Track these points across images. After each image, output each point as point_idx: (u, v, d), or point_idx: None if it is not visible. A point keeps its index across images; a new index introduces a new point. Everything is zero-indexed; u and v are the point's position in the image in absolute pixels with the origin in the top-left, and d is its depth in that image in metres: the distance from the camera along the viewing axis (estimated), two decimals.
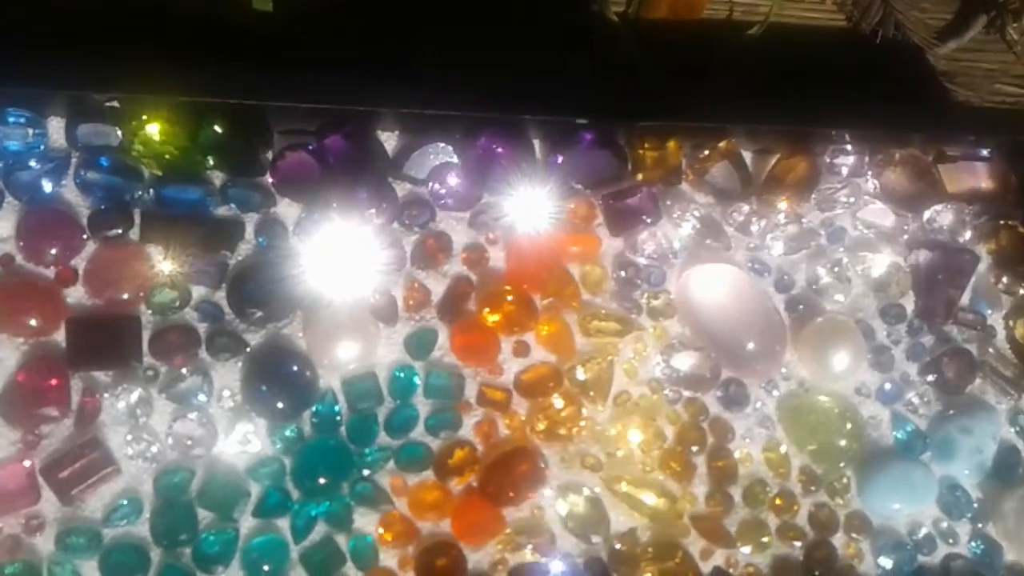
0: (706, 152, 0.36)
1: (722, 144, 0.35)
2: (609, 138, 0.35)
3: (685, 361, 0.34)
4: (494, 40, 0.38)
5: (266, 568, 0.30)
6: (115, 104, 0.31)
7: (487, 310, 0.33)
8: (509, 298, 0.33)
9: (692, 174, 0.36)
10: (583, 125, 0.34)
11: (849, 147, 0.37)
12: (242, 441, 0.31)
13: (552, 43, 0.39)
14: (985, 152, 0.36)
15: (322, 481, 0.31)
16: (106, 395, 0.30)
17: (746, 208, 0.36)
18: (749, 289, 0.34)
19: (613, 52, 0.40)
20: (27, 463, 0.29)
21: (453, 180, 0.34)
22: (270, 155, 0.32)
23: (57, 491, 0.29)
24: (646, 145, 0.35)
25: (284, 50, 0.34)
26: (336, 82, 0.32)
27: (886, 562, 0.33)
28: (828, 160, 0.37)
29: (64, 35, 0.33)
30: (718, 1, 0.41)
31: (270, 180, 0.33)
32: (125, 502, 0.30)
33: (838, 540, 0.34)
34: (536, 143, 0.34)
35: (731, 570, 0.33)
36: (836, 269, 0.36)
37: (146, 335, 0.30)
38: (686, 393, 0.34)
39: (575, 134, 0.34)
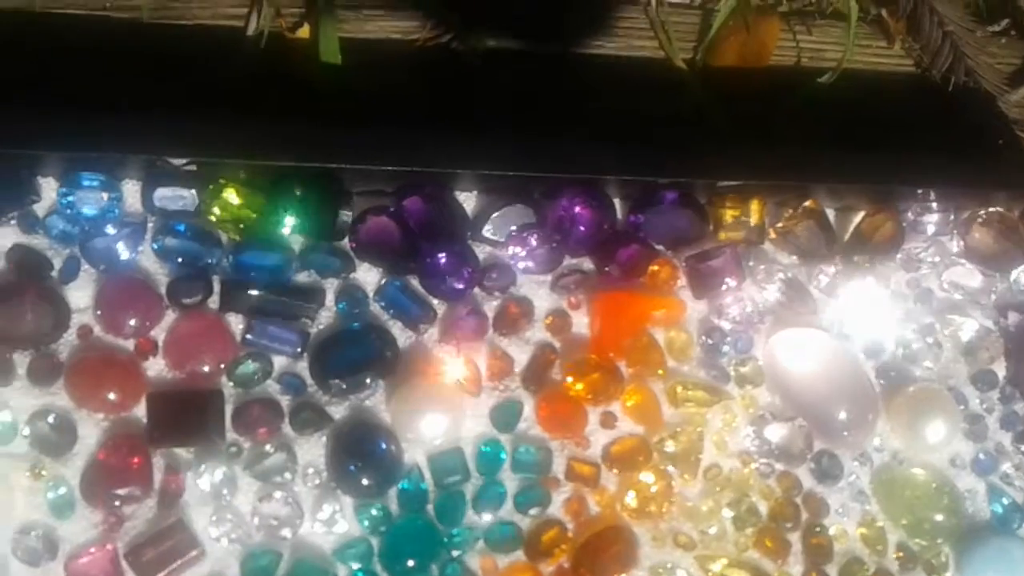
0: (789, 211, 0.53)
1: (807, 203, 0.53)
2: (690, 197, 0.52)
3: (777, 432, 0.49)
4: (569, 97, 0.55)
5: None
6: (192, 167, 0.47)
7: (572, 379, 0.49)
8: (594, 366, 0.49)
9: (775, 233, 0.53)
10: (664, 185, 0.51)
11: (934, 204, 0.55)
12: (329, 521, 0.44)
13: (626, 96, 0.57)
14: None
15: (411, 563, 0.44)
16: (189, 473, 0.44)
17: (832, 269, 0.53)
18: (839, 355, 0.50)
19: (682, 101, 0.58)
20: (110, 546, 0.43)
21: (533, 242, 0.50)
22: (349, 218, 0.48)
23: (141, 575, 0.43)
24: (728, 204, 0.52)
25: (360, 110, 0.51)
26: (414, 142, 0.48)
27: None
28: (912, 218, 0.55)
29: (139, 98, 0.48)
30: (785, 48, 0.61)
31: (349, 244, 0.49)
32: None
33: None
34: (617, 203, 0.51)
35: None
36: (926, 334, 0.54)
37: (228, 409, 0.45)
38: (778, 466, 0.49)
39: (656, 194, 0.51)
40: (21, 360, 0.43)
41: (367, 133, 0.46)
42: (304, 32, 0.52)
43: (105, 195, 0.45)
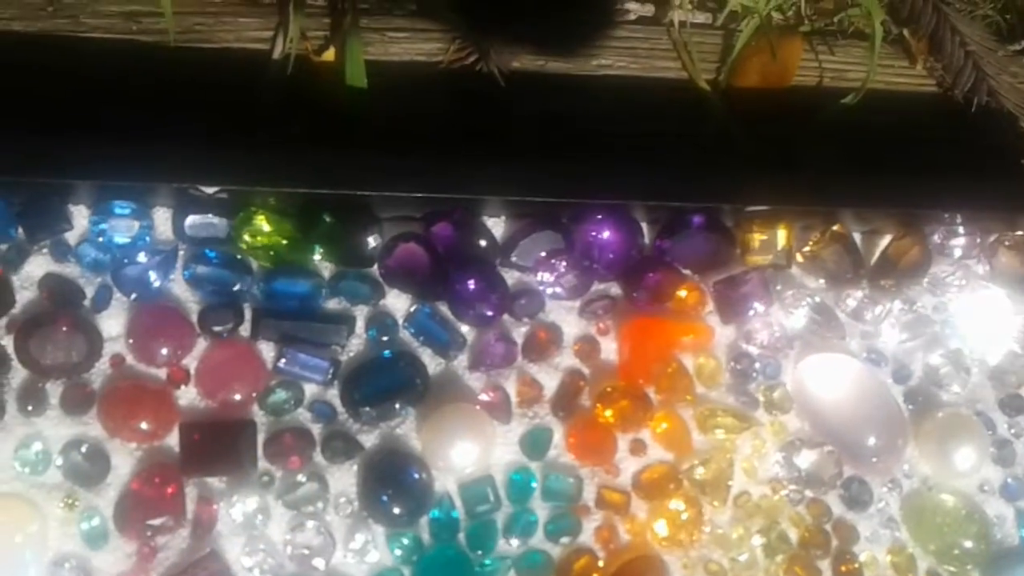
0: (816, 235, 0.56)
1: (834, 227, 0.55)
2: (717, 222, 0.55)
3: (807, 458, 0.52)
4: (592, 119, 0.58)
5: None
6: (222, 195, 0.49)
7: (601, 406, 0.52)
8: (623, 393, 0.52)
9: (803, 257, 0.56)
10: (692, 209, 0.53)
11: (961, 228, 0.58)
12: (361, 551, 0.47)
13: (649, 118, 0.59)
14: None
15: None
16: (222, 503, 0.47)
17: (859, 294, 0.56)
18: (868, 380, 0.53)
19: (705, 122, 0.60)
20: None
21: (562, 268, 0.52)
22: (377, 244, 0.50)
23: None
24: (755, 228, 0.55)
25: (386, 135, 0.53)
26: (441, 168, 0.51)
27: None
28: (939, 241, 0.58)
29: (167, 126, 0.51)
30: (807, 68, 0.64)
31: (379, 271, 0.51)
32: None
33: None
34: (644, 227, 0.54)
35: None
36: (954, 359, 0.56)
37: (260, 437, 0.48)
38: (808, 493, 0.52)
39: (683, 218, 0.54)
40: (54, 389, 0.45)
41: (394, 159, 0.49)
42: (329, 55, 0.55)
43: (136, 223, 0.47)
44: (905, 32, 0.62)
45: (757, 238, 0.54)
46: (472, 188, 0.50)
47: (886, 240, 0.56)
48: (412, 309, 0.50)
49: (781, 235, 0.53)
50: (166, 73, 0.52)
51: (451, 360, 0.50)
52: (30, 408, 0.45)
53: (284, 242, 0.48)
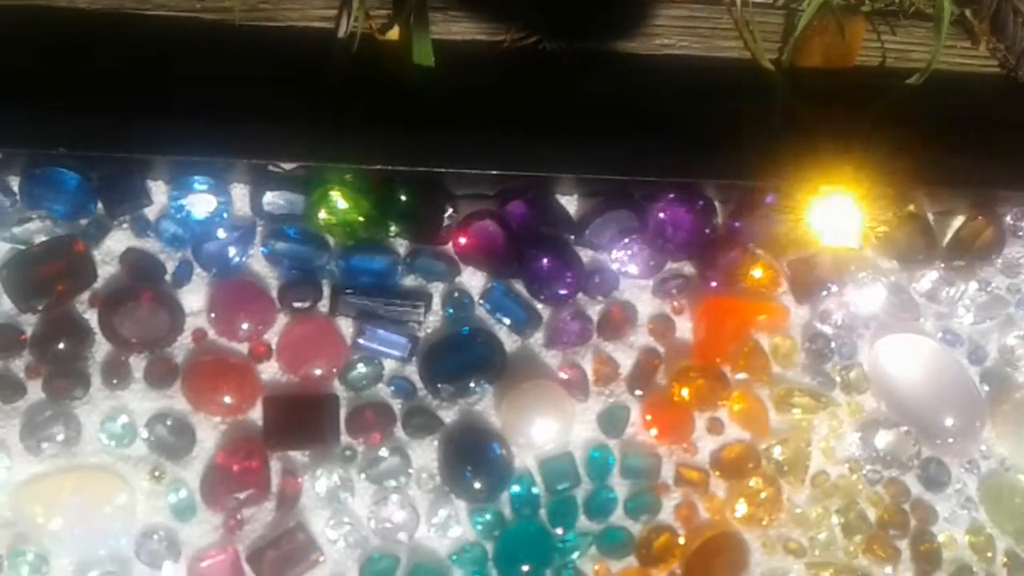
0: (890, 216, 0.62)
1: (908, 208, 0.61)
2: (792, 201, 0.61)
3: (884, 439, 0.59)
4: (656, 99, 0.65)
5: None
6: (299, 172, 0.55)
7: (677, 384, 0.58)
8: (700, 371, 0.58)
9: (876, 238, 0.62)
10: (765, 189, 0.60)
11: None
12: (443, 525, 0.53)
13: (713, 97, 0.66)
14: None
15: (525, 568, 0.53)
16: (306, 477, 0.53)
17: (933, 274, 0.62)
18: (944, 361, 0.59)
19: (769, 102, 0.67)
20: (232, 549, 0.51)
21: (636, 247, 0.59)
22: (452, 222, 0.56)
23: None
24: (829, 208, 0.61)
25: (455, 113, 0.60)
26: (516, 146, 0.57)
27: None
28: (1012, 222, 0.65)
29: (245, 105, 0.57)
30: (869, 48, 0.70)
31: (454, 248, 0.57)
32: None
33: None
34: (718, 206, 0.60)
35: None
36: None
37: (342, 412, 0.53)
38: (886, 473, 0.59)
39: (757, 198, 0.60)
40: (138, 363, 0.51)
41: (465, 136, 0.55)
42: (393, 34, 0.61)
43: (214, 199, 0.53)
44: (967, 12, 0.69)
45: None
46: (544, 166, 0.56)
47: (959, 221, 0.62)
48: (487, 287, 0.56)
49: (854, 215, 0.60)
50: (231, 51, 0.59)
51: (527, 338, 0.56)
52: (115, 381, 0.51)
53: (360, 219, 0.55)
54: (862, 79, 0.68)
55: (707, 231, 0.59)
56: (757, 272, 0.59)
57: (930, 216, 0.63)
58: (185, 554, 0.50)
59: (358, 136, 0.55)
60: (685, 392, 0.56)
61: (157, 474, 0.51)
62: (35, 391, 0.50)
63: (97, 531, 0.49)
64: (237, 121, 0.53)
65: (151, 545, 0.50)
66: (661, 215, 0.58)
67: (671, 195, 0.58)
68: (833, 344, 0.59)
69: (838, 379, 0.59)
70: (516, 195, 0.57)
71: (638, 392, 0.56)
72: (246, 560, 0.50)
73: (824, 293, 0.59)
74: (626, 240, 0.57)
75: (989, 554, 0.58)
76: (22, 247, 0.51)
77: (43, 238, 0.51)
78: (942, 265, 0.61)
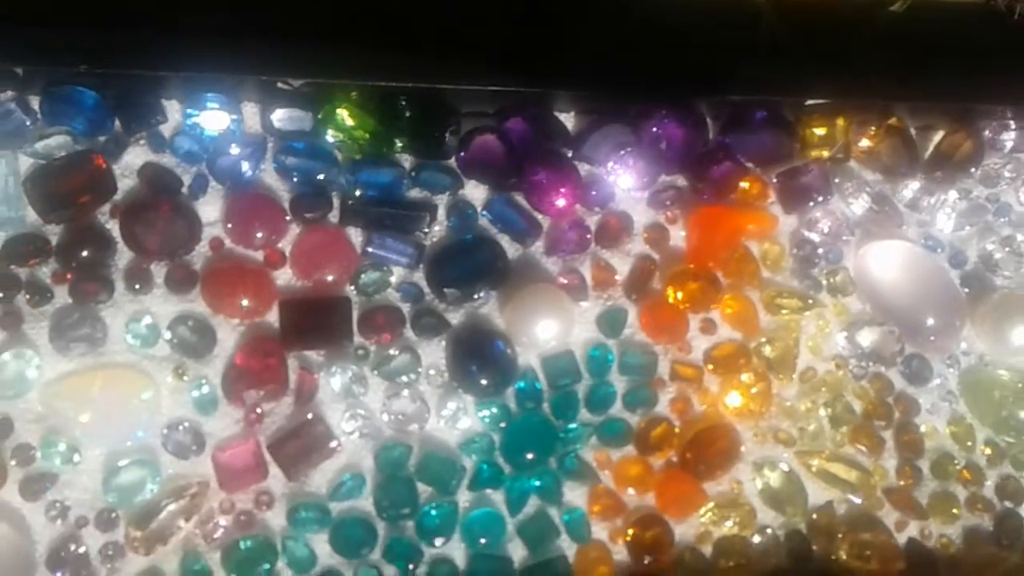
0: (873, 129, 0.67)
1: (890, 121, 0.67)
2: (779, 116, 0.66)
3: (868, 337, 0.64)
4: (660, 22, 0.69)
5: (484, 540, 0.56)
6: (306, 90, 0.60)
7: (672, 288, 0.63)
8: (693, 276, 0.63)
9: (860, 151, 0.67)
10: (754, 104, 0.65)
11: (1012, 123, 0.70)
12: (452, 418, 0.58)
13: (701, 27, 0.70)
14: None
15: (530, 456, 0.58)
16: (321, 374, 0.57)
17: (915, 185, 0.67)
18: (926, 265, 0.63)
19: (757, 31, 0.72)
20: (253, 440, 0.56)
21: (631, 160, 0.63)
22: (455, 137, 0.61)
23: (283, 467, 0.55)
24: (814, 123, 0.66)
25: (462, 33, 0.64)
26: (515, 64, 0.62)
27: None
28: (990, 135, 0.70)
29: (253, 22, 0.61)
30: None
31: (456, 162, 0.62)
32: (348, 477, 0.55)
33: None
34: (709, 122, 0.65)
35: (925, 541, 0.62)
36: (1007, 245, 0.67)
37: (354, 315, 0.58)
38: (871, 369, 0.63)
39: (746, 114, 0.65)
40: (158, 270, 0.56)
41: (470, 56, 0.60)
42: None
43: (226, 116, 0.58)
44: None
45: (816, 132, 0.65)
46: (543, 83, 0.61)
47: (939, 135, 0.67)
48: (489, 198, 0.61)
49: (840, 129, 0.65)
50: None
51: (528, 246, 0.60)
52: (137, 287, 0.55)
53: (366, 135, 0.59)
54: (846, 8, 0.73)
55: (699, 145, 0.64)
56: (746, 184, 0.64)
57: (912, 130, 0.68)
58: (209, 444, 0.55)
59: (360, 53, 0.60)
60: (679, 295, 0.61)
61: (180, 371, 0.55)
62: (62, 296, 0.54)
63: (125, 424, 0.53)
64: (247, 39, 0.58)
65: (177, 436, 0.54)
66: (655, 130, 0.63)
67: (664, 112, 0.63)
68: (820, 250, 0.63)
69: (824, 282, 0.63)
70: (516, 112, 0.62)
71: (634, 296, 0.61)
72: (267, 449, 0.54)
73: (811, 204, 0.65)
74: (622, 154, 0.62)
75: (969, 443, 0.63)
76: (44, 162, 0.56)
77: (63, 153, 0.56)
78: (923, 176, 0.67)
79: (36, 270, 0.55)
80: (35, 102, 0.56)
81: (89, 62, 0.55)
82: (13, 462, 0.53)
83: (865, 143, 0.65)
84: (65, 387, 0.53)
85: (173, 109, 0.58)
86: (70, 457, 0.53)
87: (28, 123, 0.56)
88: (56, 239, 0.55)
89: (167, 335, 0.55)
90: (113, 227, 0.56)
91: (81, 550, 0.53)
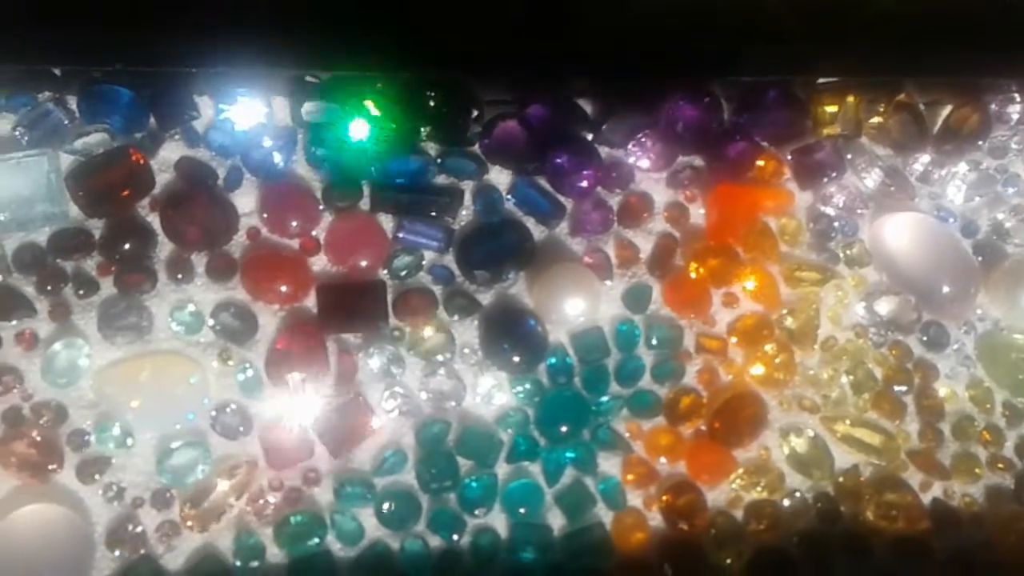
0: (882, 106, 0.74)
1: (899, 97, 0.74)
2: (791, 95, 0.73)
3: (886, 306, 0.71)
4: (672, 6, 0.77)
5: (523, 510, 0.62)
6: (333, 82, 0.67)
7: (694, 264, 0.70)
8: (714, 252, 0.70)
9: (871, 128, 0.74)
10: (766, 84, 0.72)
11: (1017, 96, 0.77)
12: (487, 394, 0.64)
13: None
14: None
15: (564, 429, 0.64)
16: (360, 355, 0.64)
17: (926, 158, 0.75)
18: (939, 235, 0.70)
19: (758, 11, 0.79)
20: (299, 422, 0.62)
21: (649, 142, 0.71)
22: (478, 124, 0.68)
23: (328, 445, 0.61)
24: (825, 101, 0.74)
25: (481, 22, 0.71)
26: (533, 52, 0.69)
27: None
28: (997, 109, 0.77)
29: (280, 18, 0.68)
30: None
31: (480, 148, 0.69)
32: (390, 453, 0.61)
33: None
34: (723, 103, 0.72)
35: (949, 500, 0.69)
36: (1017, 214, 0.75)
37: (389, 298, 0.65)
38: (890, 336, 0.70)
39: (759, 94, 0.72)
40: (199, 260, 0.63)
41: (491, 45, 0.67)
42: None
43: (257, 110, 0.65)
44: None
45: (828, 110, 0.72)
46: (557, 69, 0.68)
47: (948, 110, 0.75)
48: (513, 182, 0.68)
49: (851, 106, 0.72)
50: None
51: (552, 228, 0.67)
52: (179, 276, 0.61)
53: (392, 124, 0.66)
54: None
55: (714, 126, 0.71)
56: (761, 163, 0.71)
57: (921, 106, 0.75)
58: (256, 425, 0.61)
59: (387, 46, 0.67)
60: (701, 270, 0.69)
61: (225, 356, 0.61)
62: (108, 287, 0.60)
63: (174, 408, 0.59)
64: (274, 35, 0.65)
65: (225, 419, 0.60)
66: (671, 113, 0.70)
67: (679, 94, 0.71)
68: (836, 224, 0.70)
69: (842, 255, 0.69)
70: (536, 98, 0.69)
71: (658, 273, 0.68)
72: (312, 429, 0.62)
73: (825, 179, 0.72)
74: (640, 136, 0.70)
75: (988, 405, 0.69)
76: (84, 159, 0.63)
77: (102, 150, 0.63)
78: (933, 150, 0.74)
79: (81, 263, 0.61)
80: (72, 102, 0.62)
81: (123, 61, 0.62)
82: (68, 447, 0.59)
83: (875, 119, 0.73)
84: (115, 374, 0.59)
85: (205, 105, 0.64)
86: (124, 441, 0.59)
87: (66, 122, 0.62)
88: (99, 233, 0.62)
89: (211, 322, 0.62)
90: (153, 220, 0.62)
91: (138, 529, 0.59)
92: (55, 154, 0.61)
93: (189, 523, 0.59)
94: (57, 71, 0.62)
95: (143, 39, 0.61)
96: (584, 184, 0.67)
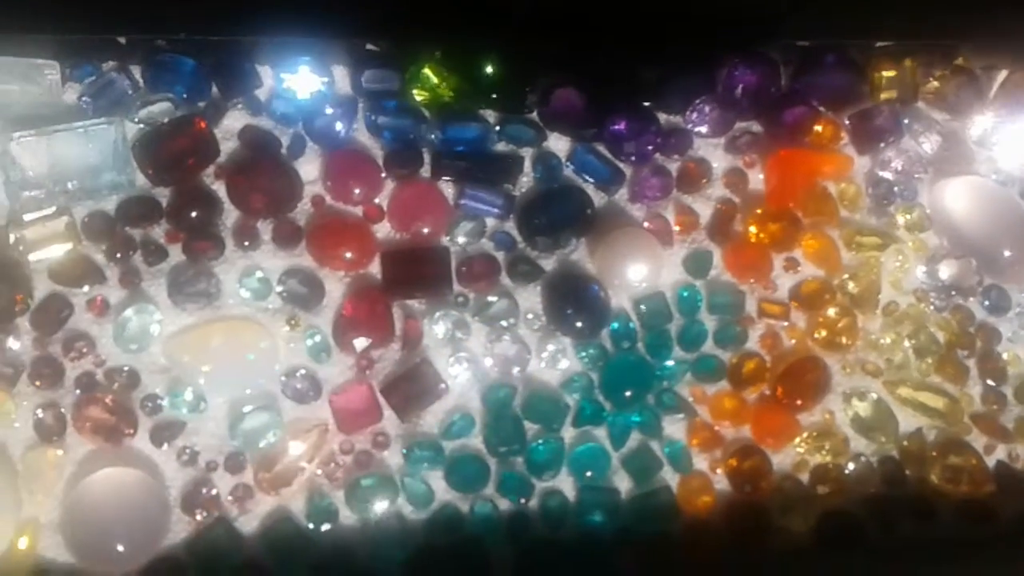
0: (939, 70, 0.78)
1: (956, 61, 0.77)
2: (849, 59, 0.76)
3: (947, 270, 0.74)
4: None
5: (590, 474, 0.66)
6: (392, 50, 0.70)
7: (754, 229, 0.73)
8: (774, 216, 0.73)
9: (928, 92, 0.78)
10: (825, 48, 0.75)
11: None
12: (552, 359, 0.68)
13: None
14: None
15: (628, 394, 0.68)
16: (425, 321, 0.67)
17: (984, 122, 0.78)
18: (999, 199, 0.73)
19: None
20: (366, 384, 0.65)
21: (707, 108, 0.74)
22: (536, 91, 0.71)
23: (396, 409, 0.65)
24: (883, 66, 0.77)
25: None
26: (589, 20, 0.72)
27: None
28: None
29: None
30: None
31: (539, 115, 0.72)
32: (458, 417, 0.65)
33: None
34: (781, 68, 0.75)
35: (1013, 463, 0.72)
36: None
37: (452, 264, 0.68)
38: (952, 300, 0.73)
39: (816, 58, 0.76)
40: (265, 227, 0.66)
41: (546, 13, 0.71)
42: None
43: (318, 79, 0.68)
44: None
45: (885, 75, 0.76)
46: (614, 37, 0.72)
47: (1003, 75, 0.78)
48: (572, 149, 0.71)
49: (908, 70, 0.76)
50: None
51: (612, 194, 0.70)
52: (246, 243, 0.65)
53: (451, 92, 0.70)
54: None
55: (772, 91, 0.74)
56: (819, 128, 0.74)
57: (977, 70, 0.79)
58: (325, 390, 0.64)
59: (445, 14, 0.70)
60: (762, 236, 0.72)
61: (293, 322, 0.64)
62: (176, 254, 0.64)
63: (245, 373, 0.62)
64: (335, 4, 0.68)
65: (295, 383, 0.63)
66: (729, 77, 0.74)
67: (737, 58, 0.74)
68: (895, 188, 0.74)
69: (901, 219, 0.72)
70: (593, 64, 0.73)
71: (718, 238, 0.71)
72: (380, 392, 0.63)
73: (882, 144, 0.75)
74: (697, 102, 0.73)
75: None
76: (149, 128, 0.66)
77: (167, 119, 0.66)
78: (990, 114, 0.77)
79: (149, 231, 0.65)
80: (136, 71, 0.66)
81: (187, 30, 0.66)
82: (142, 412, 0.63)
83: (932, 84, 0.76)
84: (187, 340, 0.63)
85: (266, 74, 0.68)
86: (196, 405, 0.63)
87: (130, 91, 0.66)
88: (165, 201, 0.65)
89: (279, 288, 0.65)
90: (218, 188, 0.66)
91: (213, 492, 0.62)
92: (121, 123, 0.64)
93: (263, 486, 0.62)
94: (122, 40, 0.65)
95: (206, 8, 0.65)
96: (642, 149, 0.70)
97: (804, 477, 0.69)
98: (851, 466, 0.69)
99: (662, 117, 0.72)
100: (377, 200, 0.67)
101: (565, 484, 0.66)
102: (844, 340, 0.70)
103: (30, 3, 0.64)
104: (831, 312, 0.70)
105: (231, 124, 0.67)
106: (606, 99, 0.71)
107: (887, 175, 0.74)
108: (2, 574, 0.59)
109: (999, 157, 0.76)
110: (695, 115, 0.72)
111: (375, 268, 0.66)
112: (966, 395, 0.72)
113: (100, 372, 0.62)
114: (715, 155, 0.72)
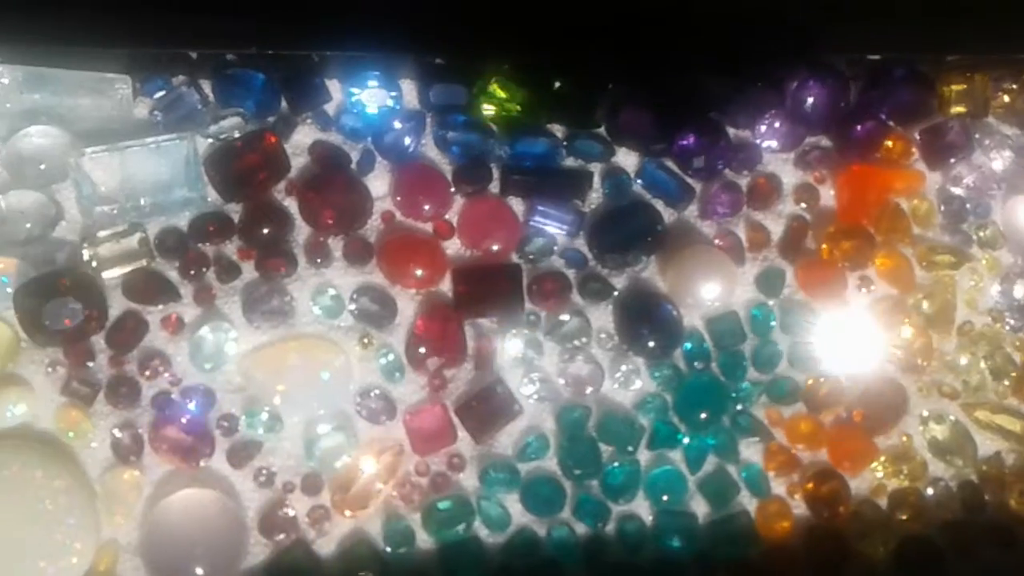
0: (1010, 84, 0.82)
1: None
2: (919, 73, 0.80)
3: (1022, 289, 0.78)
4: None
5: (666, 497, 0.71)
6: (461, 65, 0.74)
7: (827, 246, 0.77)
8: (847, 234, 0.77)
9: (999, 107, 0.82)
10: (894, 62, 0.79)
11: None
12: (625, 380, 0.72)
13: None
14: None
15: (703, 416, 0.72)
16: (497, 340, 0.71)
17: None
18: None
19: None
20: (440, 404, 0.69)
21: (776, 123, 0.78)
22: (604, 106, 0.75)
23: (471, 430, 0.69)
24: (953, 80, 0.81)
25: (605, 6, 0.79)
26: (660, 34, 0.76)
27: None
28: None
29: (408, 2, 0.76)
30: None
31: (607, 130, 0.76)
32: (532, 439, 0.69)
33: None
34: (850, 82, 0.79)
35: None
36: None
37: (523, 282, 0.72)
38: None
39: (887, 71, 0.80)
40: (336, 244, 0.70)
41: (617, 26, 0.75)
42: None
43: (386, 94, 0.72)
44: None
45: (955, 89, 0.80)
46: (683, 51, 0.76)
47: None
48: (641, 164, 0.75)
49: (979, 84, 0.80)
50: None
51: (681, 211, 0.75)
52: (318, 260, 0.69)
53: (518, 107, 0.74)
54: None
55: (842, 105, 0.78)
56: (889, 143, 0.78)
57: None
58: (399, 410, 0.69)
59: (512, 29, 0.74)
60: (835, 253, 0.76)
61: (366, 341, 0.69)
62: (249, 271, 0.69)
63: (320, 392, 0.67)
64: (403, 20, 0.72)
65: (369, 403, 0.68)
66: (798, 92, 0.78)
67: (806, 73, 0.78)
68: (968, 205, 0.79)
69: (975, 237, 0.78)
70: (663, 79, 0.77)
71: (790, 256, 0.76)
72: (455, 412, 0.68)
73: (953, 160, 0.79)
74: (766, 117, 0.77)
75: None
76: (219, 143, 0.70)
77: (237, 134, 0.70)
78: None
79: (222, 247, 0.68)
80: (206, 86, 0.70)
81: (257, 45, 0.69)
82: (218, 432, 0.66)
83: (1003, 98, 0.80)
84: (262, 358, 0.67)
85: (335, 89, 0.72)
86: (273, 425, 0.67)
87: (200, 106, 0.70)
88: (237, 217, 0.69)
89: (351, 306, 0.69)
90: (289, 204, 0.70)
91: (290, 514, 0.66)
92: (193, 138, 0.68)
93: (340, 508, 0.66)
94: (193, 54, 0.69)
95: (276, 23, 0.69)
96: (711, 165, 0.74)
97: (882, 502, 0.73)
98: (930, 491, 0.73)
99: (731, 132, 0.75)
100: (447, 216, 0.71)
101: (641, 508, 0.70)
102: (921, 361, 0.73)
103: (101, 17, 0.68)
104: (905, 333, 0.74)
105: (300, 139, 0.71)
106: (674, 113, 0.75)
107: (959, 191, 0.78)
108: None
109: None
110: (764, 130, 0.75)
111: (446, 286, 0.70)
112: None
113: (176, 391, 0.65)
114: (785, 170, 0.77)
